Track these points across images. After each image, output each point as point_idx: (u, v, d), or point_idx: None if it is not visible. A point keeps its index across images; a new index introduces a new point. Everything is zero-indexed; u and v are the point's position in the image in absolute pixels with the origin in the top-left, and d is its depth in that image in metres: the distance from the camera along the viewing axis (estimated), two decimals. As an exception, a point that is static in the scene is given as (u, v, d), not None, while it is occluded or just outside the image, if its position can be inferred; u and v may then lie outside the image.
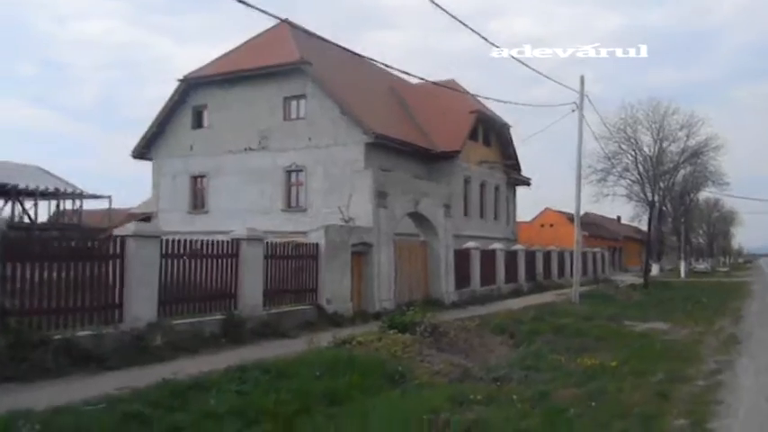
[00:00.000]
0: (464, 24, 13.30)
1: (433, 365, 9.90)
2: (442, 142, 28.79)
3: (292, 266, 14.32)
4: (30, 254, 9.51)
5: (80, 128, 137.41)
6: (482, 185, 32.65)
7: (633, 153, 33.83)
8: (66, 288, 9.54)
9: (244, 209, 25.08)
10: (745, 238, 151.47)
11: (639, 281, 34.04)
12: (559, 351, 11.75)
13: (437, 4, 11.14)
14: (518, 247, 29.64)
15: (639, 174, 34.24)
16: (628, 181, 34.94)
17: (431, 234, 20.23)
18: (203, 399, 7.21)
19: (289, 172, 25.99)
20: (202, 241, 12.31)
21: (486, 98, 38.08)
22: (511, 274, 26.67)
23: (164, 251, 11.10)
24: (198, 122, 28.29)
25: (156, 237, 11.13)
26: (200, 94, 27.79)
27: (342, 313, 15.00)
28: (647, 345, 13.19)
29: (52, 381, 8.02)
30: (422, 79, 21.14)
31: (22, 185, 30.89)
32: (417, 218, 19.90)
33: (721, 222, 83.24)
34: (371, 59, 17.88)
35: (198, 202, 28.17)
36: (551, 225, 54.37)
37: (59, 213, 35.25)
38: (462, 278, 21.91)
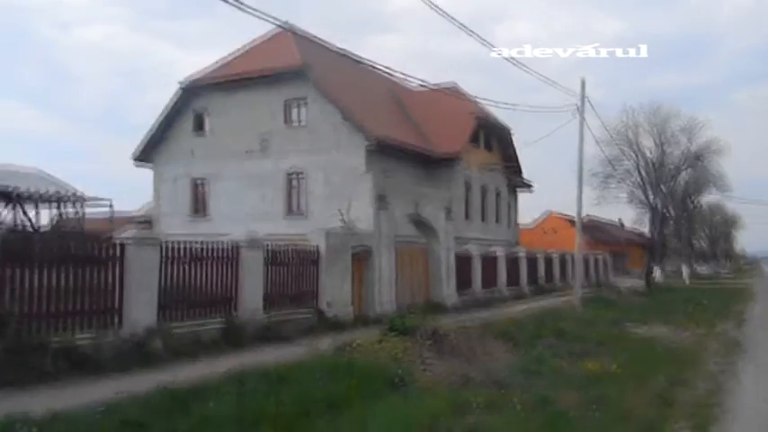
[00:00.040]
0: (462, 26, 13.34)
1: (433, 370, 9.86)
2: (442, 146, 28.71)
3: (293, 271, 14.28)
4: (29, 258, 9.47)
5: (81, 132, 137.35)
6: (483, 189, 32.58)
7: (635, 157, 33.87)
8: (65, 292, 9.51)
9: (245, 213, 25.00)
10: (746, 241, 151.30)
11: (641, 284, 33.95)
12: (561, 355, 11.72)
13: (437, 8, 11.13)
14: (519, 250, 29.60)
15: (641, 177, 34.26)
16: (629, 184, 34.98)
17: (432, 238, 20.19)
18: (203, 404, 7.16)
19: (290, 176, 25.97)
20: (202, 245, 12.26)
21: (486, 101, 38.02)
22: (512, 278, 26.61)
23: (163, 255, 11.08)
24: (199, 127, 28.26)
25: (156, 241, 11.11)
26: (201, 99, 27.76)
27: (342, 317, 14.95)
28: (649, 349, 13.17)
29: (51, 385, 7.99)
30: (423, 83, 21.01)
31: (23, 189, 30.83)
32: (418, 222, 19.87)
33: (723, 226, 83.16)
34: (372, 63, 17.83)
35: (199, 207, 28.11)
36: (554, 230, 54.24)
37: (62, 218, 35.17)
38: (464, 282, 21.86)
